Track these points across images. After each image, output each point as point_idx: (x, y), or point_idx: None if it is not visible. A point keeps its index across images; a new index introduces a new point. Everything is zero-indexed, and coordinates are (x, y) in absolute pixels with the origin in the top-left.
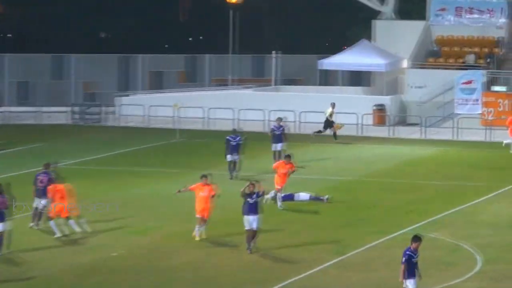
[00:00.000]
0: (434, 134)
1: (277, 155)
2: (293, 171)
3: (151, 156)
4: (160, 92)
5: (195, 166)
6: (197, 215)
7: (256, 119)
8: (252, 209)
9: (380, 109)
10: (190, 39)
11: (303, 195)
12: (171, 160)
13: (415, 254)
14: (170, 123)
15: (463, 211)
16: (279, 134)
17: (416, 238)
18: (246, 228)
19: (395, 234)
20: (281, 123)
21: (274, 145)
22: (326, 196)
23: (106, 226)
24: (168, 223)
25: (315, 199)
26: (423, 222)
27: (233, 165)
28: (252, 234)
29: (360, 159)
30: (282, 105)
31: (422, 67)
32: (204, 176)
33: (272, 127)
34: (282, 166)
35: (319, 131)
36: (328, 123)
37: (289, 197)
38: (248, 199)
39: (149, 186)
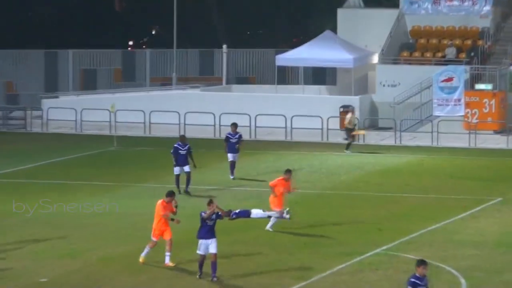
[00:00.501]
0: (410, 139)
1: (234, 166)
2: (289, 191)
3: (83, 167)
4: (94, 93)
5: (133, 178)
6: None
7: (205, 123)
8: (211, 231)
9: (347, 111)
10: (127, 32)
11: (261, 213)
12: (107, 171)
13: (421, 281)
14: (105, 128)
15: (444, 228)
16: (234, 143)
17: (421, 262)
18: (201, 252)
19: (366, 255)
20: (237, 130)
21: (230, 155)
22: (287, 210)
23: (30, 248)
24: (104, 244)
25: (276, 216)
26: (397, 241)
27: (187, 177)
28: (213, 259)
29: (324, 169)
30: (235, 107)
31: (395, 62)
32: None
33: (227, 134)
34: (282, 184)
35: (349, 144)
36: (349, 132)
37: (244, 214)
38: (207, 221)
39: (81, 202)
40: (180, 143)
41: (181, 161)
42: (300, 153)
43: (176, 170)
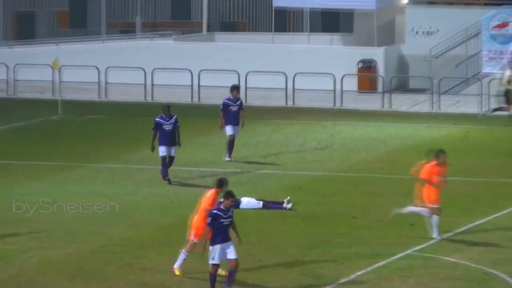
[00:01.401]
0: (451, 105)
1: (233, 143)
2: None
3: (18, 143)
4: (32, 44)
5: (84, 157)
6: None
7: (179, 84)
8: (228, 232)
9: (368, 68)
10: None
11: (253, 202)
12: (49, 147)
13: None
14: (47, 91)
15: (496, 222)
16: (236, 111)
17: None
18: (216, 262)
19: (393, 258)
20: (238, 96)
21: (230, 127)
22: (288, 199)
23: None
24: (41, 245)
25: (274, 206)
26: (434, 240)
27: (168, 162)
28: (234, 266)
29: (336, 145)
30: (219, 62)
31: (432, 2)
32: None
33: (226, 100)
34: (435, 170)
35: (499, 108)
36: (509, 95)
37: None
38: (222, 220)
39: (11, 189)
40: (163, 115)
41: (166, 139)
42: (304, 123)
43: (163, 150)
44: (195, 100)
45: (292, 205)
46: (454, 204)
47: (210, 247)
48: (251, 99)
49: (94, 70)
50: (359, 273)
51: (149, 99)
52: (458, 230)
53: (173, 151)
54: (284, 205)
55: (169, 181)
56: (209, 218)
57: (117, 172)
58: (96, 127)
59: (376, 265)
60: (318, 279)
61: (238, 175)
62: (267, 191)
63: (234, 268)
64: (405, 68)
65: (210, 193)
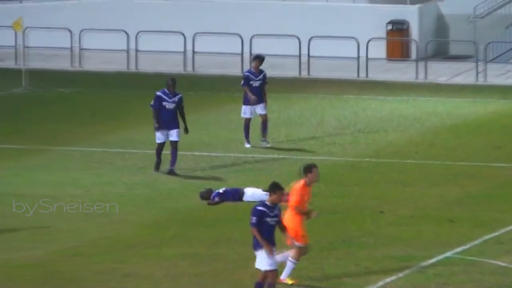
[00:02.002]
0: (501, 75)
1: (250, 124)
2: None
3: None
4: None
5: (54, 138)
6: None
7: (169, 50)
8: (273, 235)
9: (399, 30)
10: None
11: (260, 193)
12: (10, 126)
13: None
14: (9, 58)
15: None
16: (258, 86)
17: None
18: (272, 268)
19: (430, 261)
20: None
21: (249, 107)
22: None
23: None
24: (3, 246)
25: (285, 198)
26: (479, 240)
27: (172, 149)
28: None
29: (360, 124)
30: (217, 23)
31: None
32: None
33: (247, 73)
34: (305, 192)
35: None
36: None
37: (233, 195)
38: (267, 219)
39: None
40: (166, 91)
41: (167, 121)
42: (321, 96)
43: (160, 136)
44: (189, 69)
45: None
46: (502, 196)
47: (257, 252)
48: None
49: (65, 32)
50: (387, 279)
51: (132, 68)
52: (508, 228)
53: (174, 135)
54: None
55: (173, 173)
56: (254, 218)
57: (93, 157)
58: (68, 103)
59: (409, 271)
60: (339, 287)
61: (241, 161)
62: (276, 179)
63: (272, 280)
64: (444, 30)
65: (298, 184)
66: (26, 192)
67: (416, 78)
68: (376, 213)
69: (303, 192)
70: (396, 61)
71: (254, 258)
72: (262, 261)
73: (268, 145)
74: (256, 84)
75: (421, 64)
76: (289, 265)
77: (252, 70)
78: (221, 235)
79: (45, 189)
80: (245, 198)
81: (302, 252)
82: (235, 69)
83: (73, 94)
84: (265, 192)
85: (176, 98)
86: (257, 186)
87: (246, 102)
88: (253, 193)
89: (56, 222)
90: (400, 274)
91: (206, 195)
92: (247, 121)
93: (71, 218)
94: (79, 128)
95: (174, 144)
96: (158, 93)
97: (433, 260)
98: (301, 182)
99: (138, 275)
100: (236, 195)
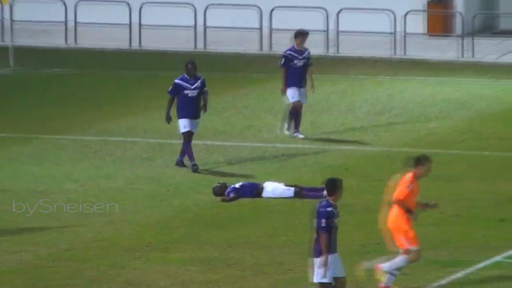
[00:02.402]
0: None
1: (298, 113)
2: None
3: None
4: None
5: (45, 126)
6: None
7: (177, 24)
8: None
9: (440, 2)
10: None
11: (281, 188)
12: None
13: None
14: None
15: None
16: (302, 66)
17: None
18: (327, 280)
19: (477, 266)
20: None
21: (293, 91)
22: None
23: None
24: None
25: (310, 194)
26: None
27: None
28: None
29: (396, 109)
30: None
31: None
32: None
33: (288, 52)
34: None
35: None
36: None
37: (251, 190)
38: (336, 220)
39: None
40: (186, 76)
41: (189, 109)
42: (351, 78)
43: (185, 123)
44: (200, 46)
45: None
46: None
47: (317, 259)
48: (278, 45)
49: (58, 4)
50: (429, 287)
51: (135, 45)
52: None
53: (194, 125)
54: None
55: (196, 168)
56: (324, 220)
57: (90, 147)
58: (61, 85)
59: (453, 277)
60: None
61: (259, 152)
62: (301, 173)
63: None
64: (493, 2)
65: (407, 176)
66: (13, 187)
67: (460, 57)
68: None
69: (413, 186)
70: (437, 37)
71: (273, 264)
72: (322, 272)
73: (296, 135)
74: (299, 64)
75: (467, 41)
76: (393, 273)
77: (295, 47)
78: (236, 237)
79: (34, 183)
80: (265, 194)
81: (416, 256)
82: (252, 46)
83: (67, 75)
84: (287, 187)
85: (198, 83)
86: (278, 180)
87: (292, 83)
88: (274, 189)
89: (48, 221)
90: (442, 282)
91: (220, 191)
92: (297, 106)
93: (62, 216)
94: (73, 114)
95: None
96: (176, 80)
97: (481, 264)
98: (410, 174)
99: (140, 283)
100: (254, 190)
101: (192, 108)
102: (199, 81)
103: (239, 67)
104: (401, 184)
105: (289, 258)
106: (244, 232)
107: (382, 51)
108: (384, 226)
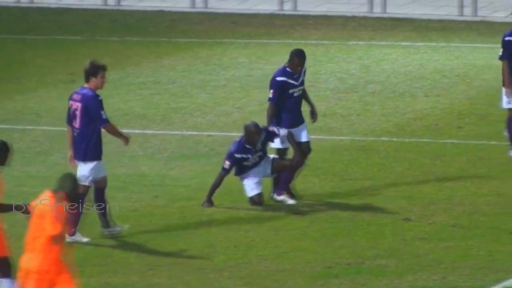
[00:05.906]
0: None
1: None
2: None
3: None
4: None
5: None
6: None
7: None
8: None
9: None
10: None
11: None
12: None
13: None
14: None
15: None
16: (297, 97)
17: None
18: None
19: (502, 284)
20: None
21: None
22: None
23: None
24: None
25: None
26: None
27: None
28: None
29: (374, 84)
30: None
31: None
32: None
33: (279, 78)
34: None
35: None
36: None
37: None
38: None
39: None
40: (288, 69)
41: (293, 113)
42: (313, 43)
43: (283, 138)
44: (111, 2)
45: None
46: None
47: None
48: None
49: None
50: None
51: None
52: None
53: (305, 133)
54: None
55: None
56: None
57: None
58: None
59: None
60: None
61: (190, 142)
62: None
63: None
64: None
65: None
66: None
67: (460, 14)
68: (399, 220)
69: None
70: None
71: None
72: None
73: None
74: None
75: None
76: None
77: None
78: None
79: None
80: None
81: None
82: (181, 0)
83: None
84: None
85: (303, 77)
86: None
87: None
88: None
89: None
90: None
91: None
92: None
93: None
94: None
95: (307, 147)
96: (279, 78)
97: (504, 283)
98: None
99: None
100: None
101: (296, 111)
102: (303, 72)
103: (162, 28)
104: None
105: (230, 283)
106: (172, 250)
107: (355, 7)
108: None
